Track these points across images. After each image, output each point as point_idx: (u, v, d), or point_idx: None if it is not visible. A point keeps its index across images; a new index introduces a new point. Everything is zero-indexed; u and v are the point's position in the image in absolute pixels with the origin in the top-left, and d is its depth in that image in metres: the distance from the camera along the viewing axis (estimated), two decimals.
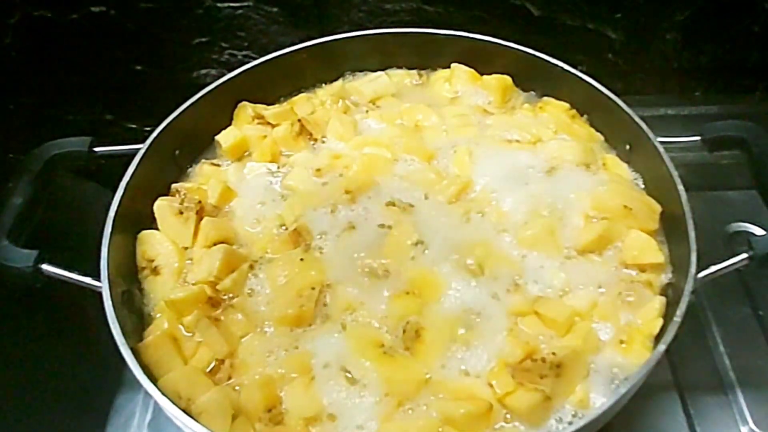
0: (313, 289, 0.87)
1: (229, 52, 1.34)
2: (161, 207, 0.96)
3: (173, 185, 1.02)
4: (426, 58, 1.18)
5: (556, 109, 1.10)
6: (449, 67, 1.17)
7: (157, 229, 0.96)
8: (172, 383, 0.80)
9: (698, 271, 0.84)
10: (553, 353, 0.80)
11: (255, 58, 1.13)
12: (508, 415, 0.79)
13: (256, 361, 0.83)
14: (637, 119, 1.00)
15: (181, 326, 0.87)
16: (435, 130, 1.07)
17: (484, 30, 1.13)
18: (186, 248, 0.95)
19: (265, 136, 1.07)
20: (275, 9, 1.28)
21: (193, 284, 0.90)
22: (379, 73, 1.17)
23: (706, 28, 1.31)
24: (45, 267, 0.87)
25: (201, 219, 0.95)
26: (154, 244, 0.94)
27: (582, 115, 1.11)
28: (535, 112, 1.11)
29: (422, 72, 1.19)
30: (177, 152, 1.06)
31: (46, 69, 1.32)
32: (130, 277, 0.93)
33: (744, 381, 1.01)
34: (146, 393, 0.78)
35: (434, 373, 0.81)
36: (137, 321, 0.89)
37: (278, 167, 1.04)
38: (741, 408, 0.99)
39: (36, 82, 1.34)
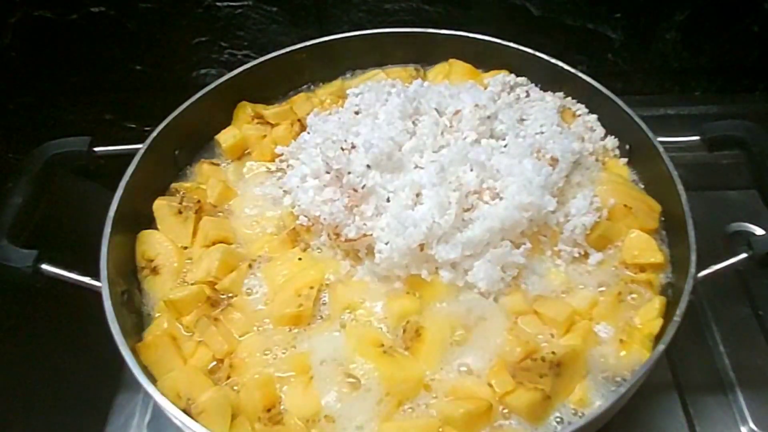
0: (311, 288, 0.87)
1: (229, 52, 1.34)
2: (160, 207, 0.96)
3: (172, 185, 1.02)
4: (425, 57, 1.18)
5: None
6: None
7: (156, 228, 0.96)
8: (171, 383, 0.80)
9: (698, 271, 0.83)
10: (553, 352, 0.79)
11: (254, 58, 1.13)
12: (508, 414, 0.79)
13: (255, 361, 0.83)
14: (637, 119, 1.00)
15: (180, 326, 0.87)
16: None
17: (484, 30, 1.13)
18: (185, 248, 0.95)
19: (265, 136, 1.07)
20: (275, 8, 1.28)
21: (192, 284, 0.90)
22: (376, 70, 1.17)
23: (706, 28, 1.31)
24: (45, 267, 0.87)
25: (200, 218, 0.95)
26: (154, 244, 0.94)
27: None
28: None
29: (419, 68, 1.19)
30: (177, 152, 1.06)
31: (46, 69, 1.32)
32: (130, 277, 0.93)
33: (744, 381, 1.01)
34: (146, 393, 0.78)
35: (434, 373, 0.81)
36: (137, 321, 0.90)
37: (277, 167, 1.04)
38: (741, 408, 0.99)
39: (36, 82, 1.34)
